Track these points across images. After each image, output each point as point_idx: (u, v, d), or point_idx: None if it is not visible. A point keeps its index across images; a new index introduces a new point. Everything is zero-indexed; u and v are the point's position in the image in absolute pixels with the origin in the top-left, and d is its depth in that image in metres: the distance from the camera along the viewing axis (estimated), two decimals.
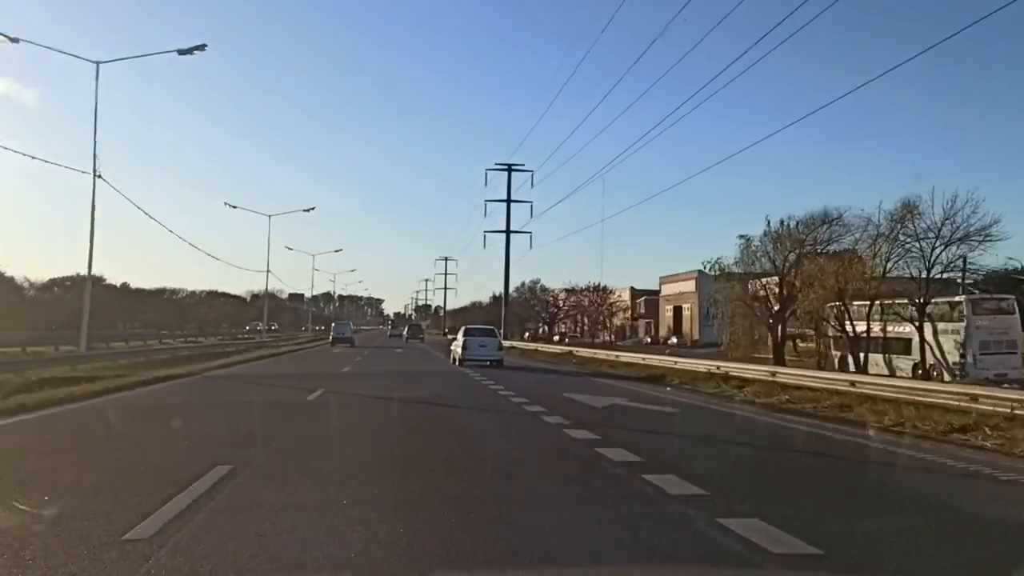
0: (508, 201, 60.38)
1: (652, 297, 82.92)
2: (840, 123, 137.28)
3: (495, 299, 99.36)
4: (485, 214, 60.73)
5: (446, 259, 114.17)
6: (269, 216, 51.22)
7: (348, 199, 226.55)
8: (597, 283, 76.76)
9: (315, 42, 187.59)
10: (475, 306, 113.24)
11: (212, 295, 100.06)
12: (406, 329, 79.65)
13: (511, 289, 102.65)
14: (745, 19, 70.77)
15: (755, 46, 20.80)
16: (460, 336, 28.54)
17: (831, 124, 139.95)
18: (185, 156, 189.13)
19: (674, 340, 66.97)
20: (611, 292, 77.96)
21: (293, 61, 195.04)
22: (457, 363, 26.82)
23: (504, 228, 60.85)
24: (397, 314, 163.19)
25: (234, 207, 42.91)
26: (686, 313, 73.13)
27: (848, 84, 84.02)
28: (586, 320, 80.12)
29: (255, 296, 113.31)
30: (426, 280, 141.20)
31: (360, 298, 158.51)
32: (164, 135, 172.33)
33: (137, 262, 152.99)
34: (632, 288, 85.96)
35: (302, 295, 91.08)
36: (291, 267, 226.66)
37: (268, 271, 57.66)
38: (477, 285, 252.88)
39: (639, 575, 4.02)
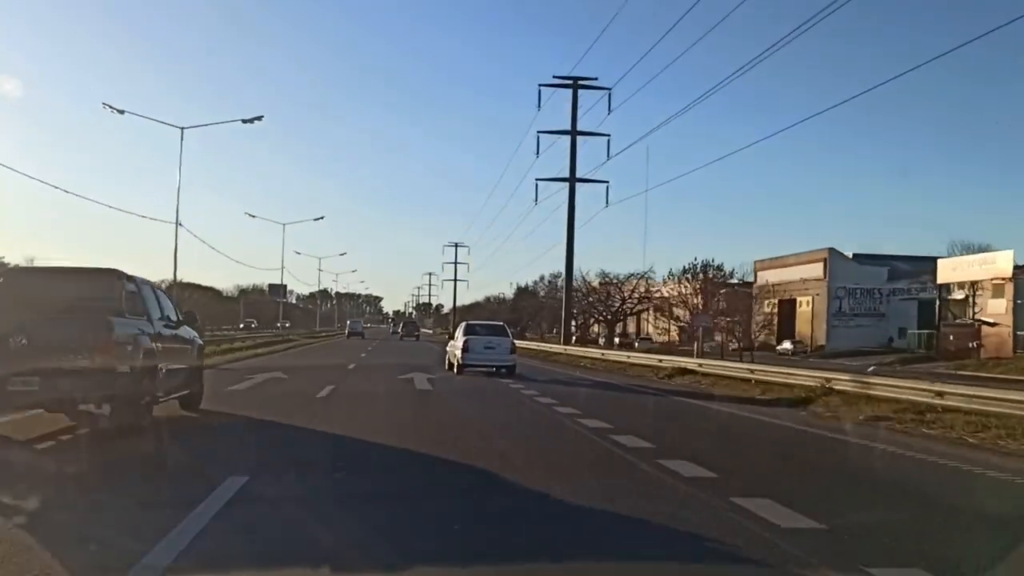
0: (573, 133, 39.91)
1: (739, 289, 62.19)
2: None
3: (521, 291, 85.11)
4: (537, 152, 41.11)
5: (456, 245, 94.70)
6: (182, 129, 30.54)
7: (347, 194, 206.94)
8: (709, 261, 51.45)
9: (307, 28, 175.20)
10: (492, 301, 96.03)
11: (176, 286, 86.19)
12: (401, 326, 79.76)
13: (529, 283, 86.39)
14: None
15: None
16: (459, 335, 21.70)
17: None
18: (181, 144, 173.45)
19: (786, 346, 51.14)
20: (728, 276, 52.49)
21: (288, 48, 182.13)
22: (455, 370, 20.73)
23: (568, 174, 40.31)
24: (396, 312, 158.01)
25: (120, 111, 29.40)
26: (803, 308, 54.98)
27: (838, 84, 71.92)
28: (676, 316, 55.35)
29: (243, 291, 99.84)
30: (429, 274, 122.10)
31: (358, 295, 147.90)
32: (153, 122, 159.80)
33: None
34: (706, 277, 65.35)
35: (284, 286, 75.75)
36: (296, 266, 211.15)
37: (178, 223, 32.06)
38: (486, 280, 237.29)
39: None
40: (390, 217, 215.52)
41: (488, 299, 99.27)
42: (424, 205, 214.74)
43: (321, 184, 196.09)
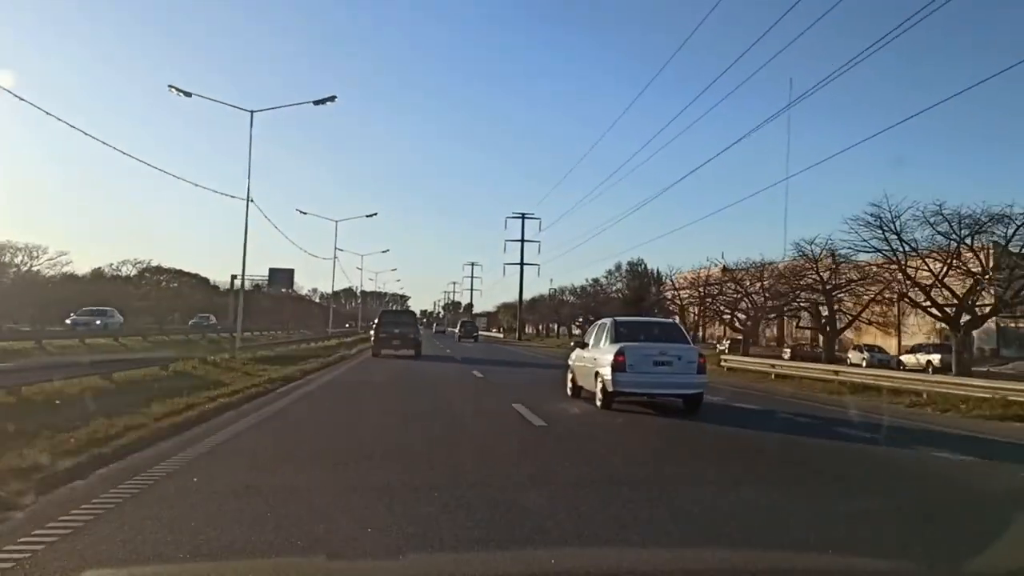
0: None
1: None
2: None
3: (635, 270, 61.85)
4: None
5: (523, 216, 73.41)
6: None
7: (370, 191, 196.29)
8: None
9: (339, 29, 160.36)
10: (567, 294, 74.69)
11: (148, 270, 68.27)
12: (459, 327, 68.64)
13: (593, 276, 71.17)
14: None
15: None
16: (603, 341, 13.49)
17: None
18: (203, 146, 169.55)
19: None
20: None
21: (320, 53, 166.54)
22: (600, 402, 12.76)
23: None
24: (424, 311, 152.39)
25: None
26: None
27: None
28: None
29: (257, 286, 70.93)
30: (472, 264, 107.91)
31: (384, 294, 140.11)
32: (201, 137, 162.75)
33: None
34: (999, 245, 29.64)
35: (291, 271, 55.64)
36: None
37: None
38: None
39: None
40: (416, 208, 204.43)
41: (559, 291, 78.14)
42: (453, 192, 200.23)
43: (338, 176, 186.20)
